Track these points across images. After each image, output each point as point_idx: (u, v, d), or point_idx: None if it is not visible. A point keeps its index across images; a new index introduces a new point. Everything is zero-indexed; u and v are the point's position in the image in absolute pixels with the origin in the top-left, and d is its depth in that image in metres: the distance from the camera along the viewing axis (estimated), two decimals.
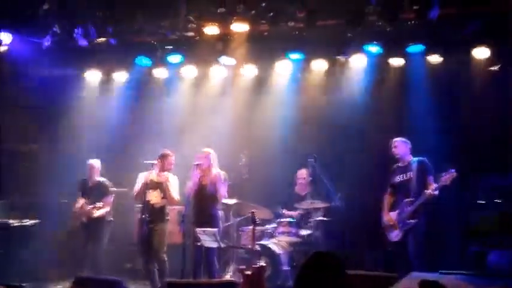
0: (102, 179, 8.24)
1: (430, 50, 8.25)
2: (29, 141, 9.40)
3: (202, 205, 7.54)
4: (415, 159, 7.43)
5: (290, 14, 7.82)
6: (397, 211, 7.38)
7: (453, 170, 6.98)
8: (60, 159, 8.95)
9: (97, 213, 7.95)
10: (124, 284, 6.79)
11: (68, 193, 8.51)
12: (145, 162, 7.65)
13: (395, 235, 7.37)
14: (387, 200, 7.61)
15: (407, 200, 7.27)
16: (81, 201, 8.06)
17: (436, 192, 7.13)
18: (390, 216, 7.42)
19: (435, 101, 8.43)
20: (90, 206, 7.91)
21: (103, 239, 8.13)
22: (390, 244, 7.48)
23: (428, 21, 7.46)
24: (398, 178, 7.50)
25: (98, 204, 7.87)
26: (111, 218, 8.24)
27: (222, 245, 6.95)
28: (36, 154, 9.59)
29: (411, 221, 7.20)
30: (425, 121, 8.35)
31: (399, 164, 7.55)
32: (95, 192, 8.05)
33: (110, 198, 8.16)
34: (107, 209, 8.08)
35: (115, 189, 8.62)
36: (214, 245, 6.99)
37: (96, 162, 8.22)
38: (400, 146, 7.51)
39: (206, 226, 7.17)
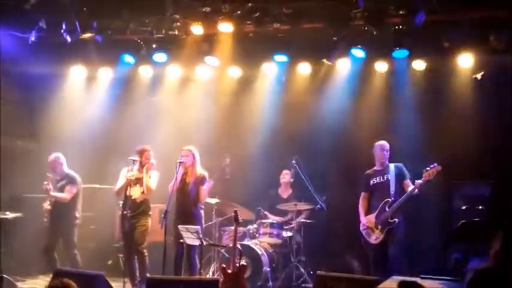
0: (70, 171, 8.18)
1: (414, 56, 8.31)
2: (13, 137, 9.27)
3: (184, 203, 7.55)
4: (392, 164, 7.49)
5: (275, 15, 7.81)
6: (375, 213, 7.38)
7: (436, 164, 7.01)
8: (43, 155, 8.86)
9: (53, 193, 7.88)
10: (105, 277, 6.81)
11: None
12: (129, 158, 7.62)
13: (375, 237, 7.38)
14: (362, 203, 7.61)
15: (387, 200, 7.28)
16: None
17: (416, 191, 7.14)
18: (369, 219, 7.42)
19: (419, 107, 8.52)
20: (45, 183, 7.81)
21: (72, 234, 8.05)
22: (370, 246, 7.49)
23: (414, 27, 7.54)
24: (374, 180, 7.52)
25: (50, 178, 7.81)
26: (78, 214, 8.16)
27: (204, 243, 6.93)
28: (20, 149, 9.48)
29: (392, 220, 7.22)
30: (408, 126, 8.43)
31: (375, 168, 7.60)
32: (64, 184, 8.01)
33: (74, 188, 8.07)
34: (67, 195, 7.99)
35: (97, 185, 8.58)
36: (196, 242, 6.98)
37: (58, 157, 8.13)
38: (378, 149, 7.55)
39: (188, 224, 7.16)
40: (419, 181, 7.10)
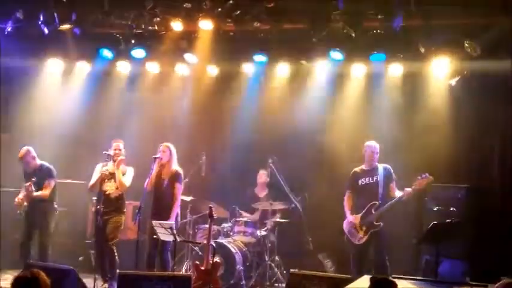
0: (43, 162, 8.01)
1: (391, 60, 8.42)
2: None
3: (160, 199, 7.50)
4: (381, 165, 7.50)
5: (256, 14, 7.83)
6: (360, 214, 7.38)
7: (428, 174, 7.07)
8: (15, 147, 8.73)
9: (36, 194, 7.71)
10: (76, 272, 6.72)
11: (15, 182, 8.30)
12: (104, 152, 7.54)
13: (358, 238, 7.38)
14: (347, 202, 7.59)
15: (374, 202, 7.31)
16: (23, 190, 7.86)
17: (404, 198, 7.21)
18: (355, 218, 7.41)
19: (395, 110, 8.60)
20: (27, 184, 7.66)
21: (49, 227, 7.90)
22: (353, 245, 7.49)
23: (392, 31, 7.63)
24: (362, 181, 7.50)
25: (32, 181, 7.64)
26: (56, 205, 8.02)
27: (178, 239, 6.89)
28: None
29: (377, 223, 7.25)
30: (384, 129, 8.49)
31: (364, 167, 7.57)
32: (37, 177, 7.80)
33: (52, 181, 7.92)
34: (47, 191, 7.85)
35: (71, 181, 8.48)
36: (169, 238, 6.93)
37: (28, 150, 7.91)
38: (372, 148, 7.54)
39: (164, 220, 7.11)
40: (409, 189, 7.16)
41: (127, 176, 7.67)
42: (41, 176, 7.85)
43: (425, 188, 7.23)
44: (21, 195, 7.86)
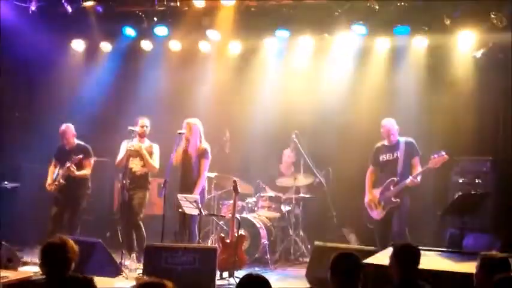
0: (80, 142, 8.03)
1: (415, 33, 8.32)
2: (9, 108, 9.24)
3: (187, 175, 7.54)
4: (403, 139, 7.42)
5: None
6: (380, 189, 7.38)
7: (444, 153, 6.99)
8: (40, 126, 8.87)
9: (78, 173, 7.73)
10: (103, 244, 6.85)
11: (48, 159, 8.40)
12: (129, 128, 7.60)
13: (377, 213, 7.40)
14: (369, 177, 7.58)
15: (392, 179, 7.28)
16: (54, 172, 7.89)
17: (418, 180, 7.16)
18: (374, 194, 7.43)
19: (419, 83, 8.52)
20: (68, 164, 7.66)
21: (80, 207, 7.96)
22: (372, 222, 7.53)
23: (416, 4, 7.54)
24: (383, 157, 7.47)
25: (76, 158, 7.66)
26: (89, 185, 8.07)
27: (203, 212, 6.95)
28: (18, 120, 9.46)
29: (395, 200, 7.23)
30: (408, 103, 8.43)
31: (385, 143, 7.51)
32: (76, 155, 7.76)
33: (92, 160, 7.98)
34: (88, 171, 7.93)
35: (96, 158, 8.56)
36: (195, 212, 6.99)
37: (69, 127, 7.95)
38: (388, 126, 7.46)
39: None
40: (410, 178, 7.12)
41: (155, 157, 7.74)
42: (79, 154, 7.80)
43: (440, 166, 7.12)
44: (50, 178, 7.88)
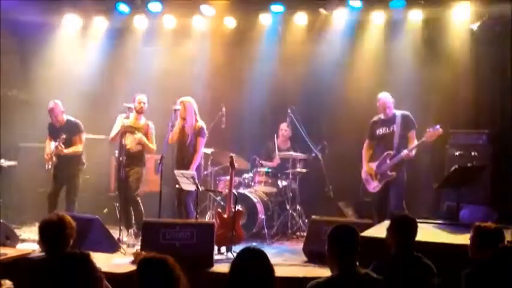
0: (70, 117, 7.97)
1: (411, 6, 8.28)
2: (6, 86, 9.17)
3: (183, 154, 7.53)
4: (399, 112, 7.41)
5: None
6: (376, 163, 7.39)
7: (438, 127, 7.00)
8: (37, 104, 8.82)
9: (66, 151, 7.69)
10: (100, 220, 6.87)
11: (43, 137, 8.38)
12: (124, 105, 7.57)
13: (373, 186, 7.44)
14: (366, 151, 7.60)
15: (389, 152, 7.29)
16: (50, 145, 7.84)
17: (412, 154, 7.20)
18: (370, 167, 7.45)
19: (415, 57, 8.49)
20: (57, 143, 7.62)
21: (76, 183, 7.95)
22: (368, 195, 7.58)
23: None
24: (380, 131, 7.47)
25: (62, 138, 7.59)
26: (84, 161, 8.05)
27: (200, 188, 6.95)
28: (14, 99, 9.40)
29: (391, 173, 7.25)
30: (405, 77, 8.41)
31: (381, 117, 7.50)
32: (66, 133, 7.71)
33: (82, 135, 7.93)
34: (79, 147, 7.90)
35: (91, 136, 8.54)
36: (191, 188, 7.00)
37: (56, 104, 7.86)
38: (383, 99, 7.44)
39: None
40: (416, 142, 7.16)
41: (152, 137, 7.75)
42: (69, 131, 7.78)
43: (435, 140, 7.14)
44: (48, 150, 7.85)
